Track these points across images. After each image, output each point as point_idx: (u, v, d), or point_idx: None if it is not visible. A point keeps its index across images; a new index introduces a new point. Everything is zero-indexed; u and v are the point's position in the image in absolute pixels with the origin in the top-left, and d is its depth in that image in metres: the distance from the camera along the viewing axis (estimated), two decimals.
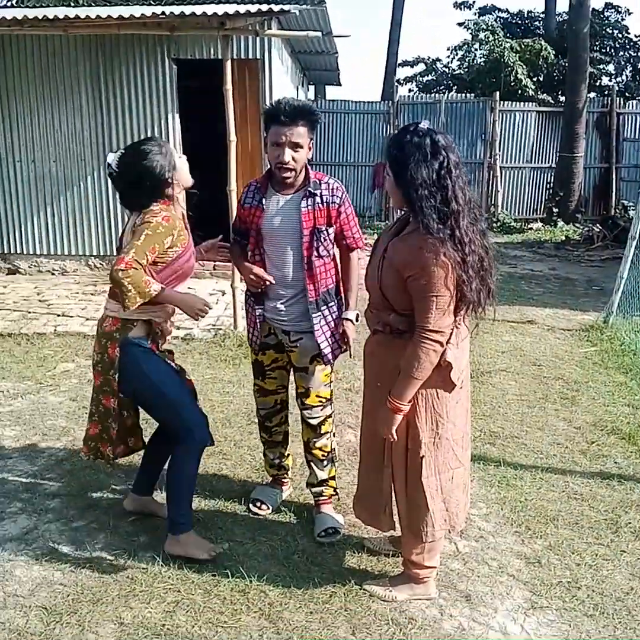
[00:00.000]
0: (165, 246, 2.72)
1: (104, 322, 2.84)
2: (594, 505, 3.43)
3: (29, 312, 6.54)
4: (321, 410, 3.14)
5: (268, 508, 3.29)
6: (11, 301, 6.95)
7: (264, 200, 2.96)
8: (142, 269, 2.65)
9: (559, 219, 13.31)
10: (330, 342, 3.05)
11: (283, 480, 3.43)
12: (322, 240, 2.95)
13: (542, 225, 13.44)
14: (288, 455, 3.43)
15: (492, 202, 13.91)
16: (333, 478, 3.27)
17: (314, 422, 3.15)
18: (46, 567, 2.83)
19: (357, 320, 3.12)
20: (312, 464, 3.22)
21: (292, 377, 3.25)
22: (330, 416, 3.19)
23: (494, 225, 13.26)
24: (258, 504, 3.30)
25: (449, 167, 2.32)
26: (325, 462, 3.21)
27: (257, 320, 3.08)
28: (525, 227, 13.33)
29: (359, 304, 3.11)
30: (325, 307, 3.02)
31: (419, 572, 2.68)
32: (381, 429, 2.51)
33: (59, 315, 6.45)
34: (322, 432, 3.17)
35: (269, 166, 3.01)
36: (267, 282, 2.96)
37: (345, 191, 3.07)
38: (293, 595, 2.69)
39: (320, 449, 3.18)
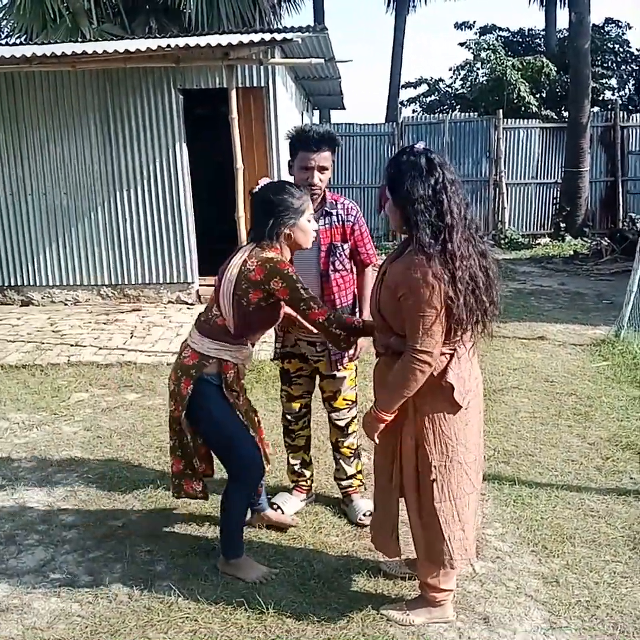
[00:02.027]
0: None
1: (183, 351, 2.92)
2: (611, 522, 3.40)
3: (43, 343, 6.61)
4: (348, 411, 3.44)
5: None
6: (25, 333, 7.03)
7: None
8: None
9: (566, 234, 13.32)
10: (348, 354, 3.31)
11: (303, 487, 3.60)
12: (338, 255, 3.24)
13: (550, 241, 13.45)
14: (310, 463, 3.63)
15: (499, 219, 13.95)
16: (360, 472, 3.56)
17: (341, 423, 3.45)
18: (64, 599, 2.84)
19: None
20: (340, 461, 3.51)
21: (317, 382, 3.49)
22: (355, 417, 3.47)
23: (502, 241, 13.29)
24: (274, 507, 3.46)
25: (444, 183, 2.38)
26: (352, 458, 3.51)
27: (283, 331, 3.34)
28: (533, 243, 13.35)
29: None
30: None
31: (436, 595, 2.67)
32: (366, 432, 2.60)
33: (72, 345, 6.51)
34: (349, 432, 3.47)
35: None
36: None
37: (360, 211, 3.34)
38: (310, 622, 2.68)
39: (348, 447, 3.48)
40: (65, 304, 8.25)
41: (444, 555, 2.55)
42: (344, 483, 3.53)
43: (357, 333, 2.85)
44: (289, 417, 3.51)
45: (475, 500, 2.65)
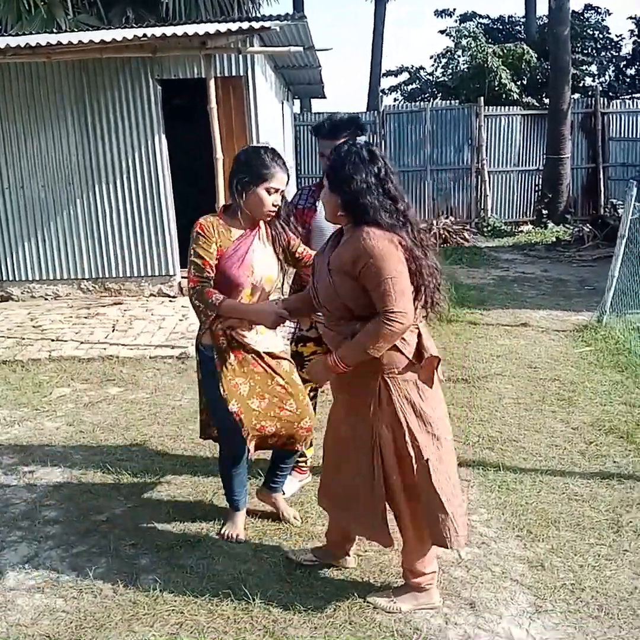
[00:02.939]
0: (211, 252, 2.82)
1: None
2: (595, 506, 3.43)
3: (23, 339, 6.54)
4: None
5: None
6: (5, 328, 6.95)
7: (317, 203, 3.33)
8: (209, 282, 2.82)
9: (548, 221, 13.37)
10: None
11: (302, 468, 3.65)
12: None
13: (533, 228, 13.50)
14: (311, 445, 3.61)
15: (482, 207, 13.98)
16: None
17: None
18: (48, 595, 2.82)
19: None
20: None
21: None
22: None
23: (485, 229, 13.34)
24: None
25: (387, 171, 2.43)
26: None
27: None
28: (516, 230, 13.40)
29: None
30: None
31: (420, 580, 2.68)
32: (314, 378, 2.65)
33: (53, 340, 6.45)
34: None
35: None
36: None
37: None
38: (296, 611, 2.67)
39: None
40: (46, 299, 8.17)
41: (449, 532, 2.53)
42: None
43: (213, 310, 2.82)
44: None
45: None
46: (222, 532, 3.19)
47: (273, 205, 2.87)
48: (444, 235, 12.20)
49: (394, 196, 2.43)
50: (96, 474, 3.85)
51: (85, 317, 7.28)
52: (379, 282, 2.34)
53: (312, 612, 2.67)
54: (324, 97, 15.45)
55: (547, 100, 14.23)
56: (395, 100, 20.76)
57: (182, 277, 8.16)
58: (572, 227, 12.74)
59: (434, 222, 12.52)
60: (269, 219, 2.94)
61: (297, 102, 15.84)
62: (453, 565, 2.98)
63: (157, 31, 6.08)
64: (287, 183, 2.92)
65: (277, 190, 2.86)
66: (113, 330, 6.75)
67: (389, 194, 2.42)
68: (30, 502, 3.58)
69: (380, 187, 2.40)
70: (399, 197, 2.44)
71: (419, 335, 2.50)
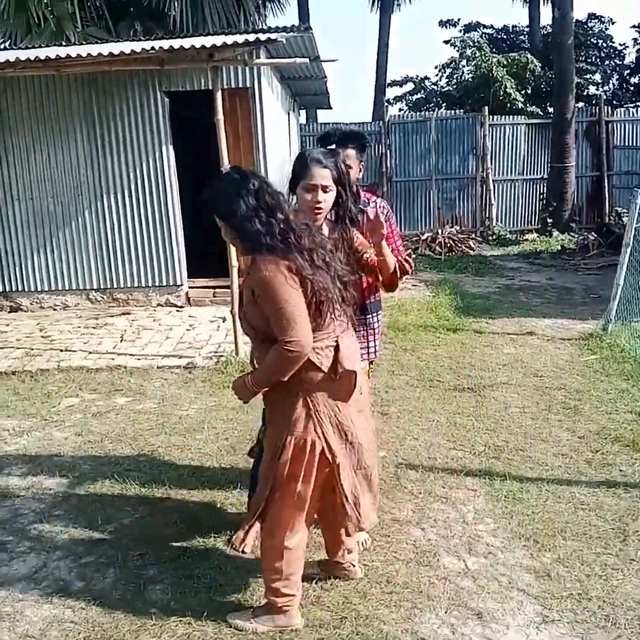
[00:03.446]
0: None
1: None
2: (601, 515, 3.43)
3: (32, 349, 6.58)
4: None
5: None
6: (14, 339, 6.99)
7: None
8: None
9: (553, 229, 13.36)
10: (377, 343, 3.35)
11: None
12: None
13: (537, 236, 13.48)
14: None
15: (487, 216, 13.99)
16: None
17: None
18: (57, 605, 2.84)
19: None
20: None
21: None
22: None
23: (490, 238, 13.34)
24: None
25: (260, 184, 2.47)
26: None
27: None
28: (521, 239, 13.39)
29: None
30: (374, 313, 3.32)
31: (276, 600, 2.63)
32: (237, 396, 2.64)
33: (62, 351, 6.49)
34: None
35: None
36: None
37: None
38: (304, 620, 2.68)
39: None
40: (54, 309, 8.22)
41: (352, 520, 2.61)
42: None
43: None
44: None
45: (367, 477, 2.67)
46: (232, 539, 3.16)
47: (315, 201, 2.82)
48: (449, 244, 12.21)
49: (273, 206, 2.45)
50: (104, 484, 3.87)
51: (94, 327, 7.32)
52: (272, 312, 2.38)
53: (319, 622, 2.69)
54: (329, 107, 15.50)
55: (551, 109, 14.25)
56: (400, 110, 20.78)
57: (189, 288, 8.20)
58: (577, 236, 12.72)
59: (439, 231, 12.54)
60: (317, 216, 2.86)
61: (302, 112, 15.90)
62: (460, 575, 2.99)
63: (166, 44, 6.12)
64: (330, 178, 2.82)
65: (314, 187, 2.80)
66: (121, 340, 6.78)
67: (268, 207, 2.44)
68: (38, 512, 3.60)
69: (260, 204, 2.44)
70: (277, 207, 2.46)
71: (337, 349, 2.50)
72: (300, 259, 2.40)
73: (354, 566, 2.95)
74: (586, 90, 17.28)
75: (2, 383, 5.68)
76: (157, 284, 8.17)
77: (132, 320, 7.57)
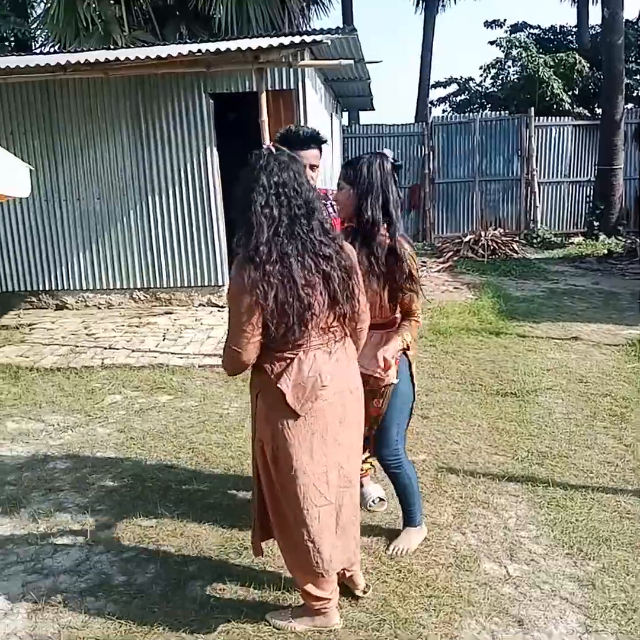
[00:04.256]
0: None
1: None
2: None
3: (77, 346, 6.71)
4: None
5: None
6: (60, 336, 7.14)
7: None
8: None
9: (600, 233, 13.11)
10: None
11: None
12: None
13: (583, 240, 13.25)
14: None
15: (531, 218, 13.81)
16: (369, 456, 3.51)
17: None
18: (99, 599, 2.88)
19: None
20: None
21: None
22: None
23: (534, 241, 13.15)
24: None
25: (255, 183, 2.32)
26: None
27: None
28: (566, 242, 13.18)
29: None
30: None
31: (313, 603, 2.61)
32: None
33: (105, 348, 6.60)
34: None
35: None
36: None
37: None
38: (343, 622, 2.67)
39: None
40: (99, 308, 8.36)
41: (287, 562, 2.61)
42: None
43: None
44: None
45: (330, 514, 2.52)
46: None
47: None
48: (492, 247, 12.07)
49: (253, 210, 2.31)
50: (145, 481, 3.92)
51: (137, 326, 7.43)
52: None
53: (358, 624, 2.67)
54: (372, 109, 15.50)
55: (599, 111, 14.00)
56: (444, 111, 20.68)
57: None
58: (624, 239, 12.46)
59: (482, 233, 12.41)
60: None
61: (345, 114, 15.91)
62: (501, 581, 2.94)
63: (211, 46, 6.18)
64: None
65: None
66: (163, 339, 6.87)
67: (249, 208, 2.32)
68: (82, 506, 3.66)
69: (244, 202, 2.33)
70: (254, 212, 2.30)
71: (290, 364, 2.38)
72: (259, 272, 2.26)
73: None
74: (636, 91, 16.92)
75: (47, 379, 5.81)
76: (199, 284, 8.25)
77: (174, 320, 7.67)
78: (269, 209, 2.29)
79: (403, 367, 2.99)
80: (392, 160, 2.90)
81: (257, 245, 2.27)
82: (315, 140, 3.26)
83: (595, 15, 19.21)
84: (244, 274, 2.27)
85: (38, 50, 15.20)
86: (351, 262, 2.46)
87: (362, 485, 3.57)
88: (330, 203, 3.36)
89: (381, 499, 3.57)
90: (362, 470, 3.58)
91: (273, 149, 2.42)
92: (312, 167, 3.26)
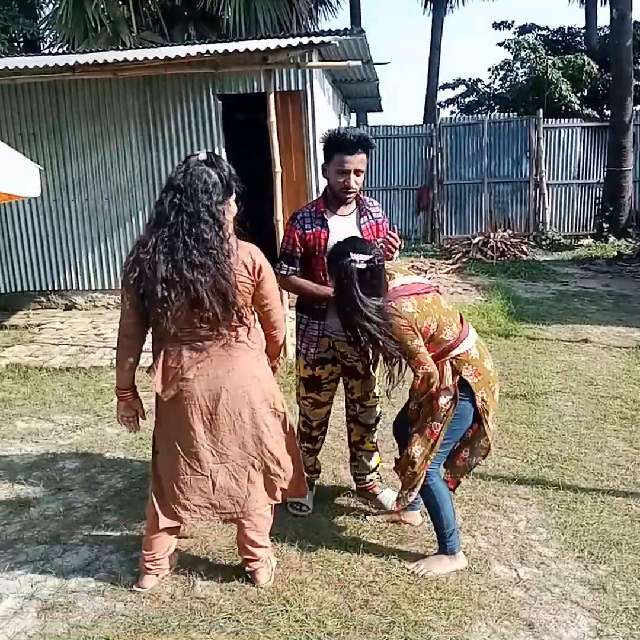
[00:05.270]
0: None
1: None
2: None
3: (86, 346, 6.72)
4: (376, 408, 3.50)
5: (308, 509, 3.54)
6: (69, 336, 7.15)
7: (328, 222, 3.24)
8: None
9: (609, 234, 13.06)
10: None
11: (315, 482, 3.70)
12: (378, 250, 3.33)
13: (593, 241, 13.20)
14: (318, 459, 3.73)
15: (540, 220, 13.77)
16: (379, 463, 3.63)
17: (371, 420, 3.50)
18: (108, 598, 2.88)
19: None
20: (363, 457, 3.57)
21: (348, 383, 3.47)
22: (380, 412, 3.58)
23: (543, 242, 13.10)
24: (298, 506, 3.53)
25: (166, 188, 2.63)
26: (374, 453, 3.60)
27: (317, 336, 3.32)
28: (576, 244, 13.12)
29: None
30: None
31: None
32: None
33: (114, 348, 6.58)
34: (375, 428, 3.55)
35: (324, 191, 3.34)
36: None
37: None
38: (351, 626, 2.66)
39: (372, 442, 3.55)
40: (108, 308, 8.38)
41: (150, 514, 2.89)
42: (368, 477, 3.59)
43: None
44: (314, 424, 3.53)
45: (198, 483, 2.81)
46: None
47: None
48: (501, 249, 12.04)
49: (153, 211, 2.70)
50: None
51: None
52: None
53: (367, 627, 2.66)
54: (380, 110, 15.48)
55: (608, 112, 13.95)
56: (452, 112, 20.67)
57: None
58: (634, 241, 12.41)
59: (491, 235, 12.38)
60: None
61: (353, 115, 15.89)
62: (511, 584, 2.92)
63: (220, 47, 6.18)
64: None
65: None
66: None
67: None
68: (91, 506, 3.67)
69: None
70: (152, 212, 2.71)
71: (160, 354, 2.77)
72: (136, 253, 2.59)
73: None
74: None
75: (57, 379, 5.82)
76: None
77: None
78: (162, 207, 2.57)
79: (463, 402, 2.94)
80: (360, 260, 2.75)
81: (145, 232, 2.62)
82: (362, 145, 3.13)
83: (603, 17, 19.16)
84: (130, 253, 2.63)
85: (47, 51, 15.27)
86: (243, 275, 2.65)
87: (375, 495, 3.59)
88: (372, 210, 3.34)
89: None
90: (370, 481, 3.60)
91: (203, 156, 2.62)
92: (358, 172, 3.16)
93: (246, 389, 2.77)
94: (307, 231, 3.24)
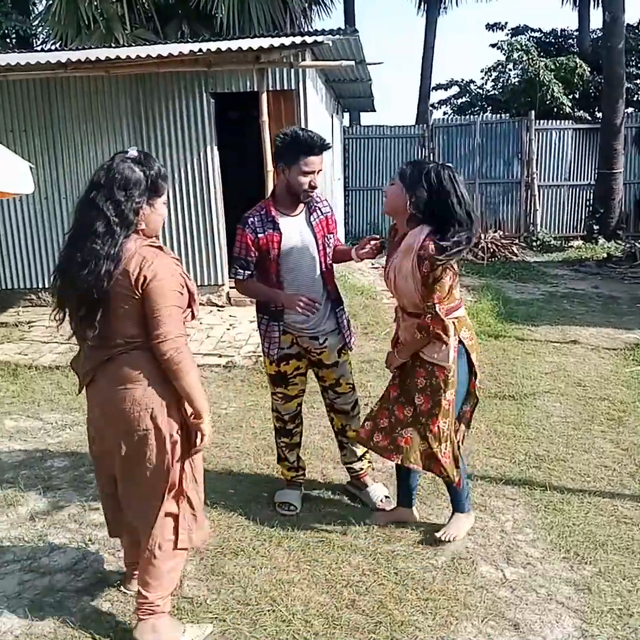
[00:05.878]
0: None
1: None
2: None
3: (76, 345, 6.68)
4: (351, 395, 3.55)
5: (296, 508, 3.54)
6: (58, 334, 7.12)
7: (280, 225, 3.25)
8: None
9: (599, 236, 13.13)
10: (351, 331, 3.52)
11: (300, 480, 3.70)
12: (329, 244, 3.39)
13: (583, 243, 13.27)
14: (301, 457, 3.72)
15: (531, 221, 13.82)
16: (367, 451, 3.60)
17: (347, 407, 3.55)
18: (95, 598, 2.87)
19: None
20: (348, 445, 3.61)
21: (318, 374, 3.53)
22: (357, 399, 3.60)
23: (534, 244, 13.16)
24: (286, 506, 3.54)
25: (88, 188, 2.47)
26: None
27: (278, 336, 3.38)
28: (566, 246, 13.18)
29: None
30: (338, 303, 3.47)
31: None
32: None
33: None
34: (354, 414, 3.58)
35: (272, 192, 3.40)
36: (316, 304, 3.21)
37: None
38: (338, 625, 2.67)
39: (354, 430, 3.50)
40: None
41: None
42: (356, 465, 3.63)
43: None
44: (285, 417, 3.57)
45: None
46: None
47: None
48: (492, 249, 12.08)
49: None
50: None
51: None
52: None
53: (353, 627, 2.67)
54: (373, 110, 15.50)
55: (599, 114, 14.01)
56: (444, 113, 20.69)
57: (230, 288, 8.26)
58: (623, 243, 12.48)
59: (482, 235, 12.41)
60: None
61: (346, 115, 15.91)
62: (497, 584, 2.94)
63: (213, 46, 6.19)
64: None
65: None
66: None
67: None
68: (79, 504, 3.66)
69: None
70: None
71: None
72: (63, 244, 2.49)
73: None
74: (636, 95, 16.93)
75: (46, 377, 5.80)
76: (199, 283, 8.23)
77: None
78: (79, 201, 2.47)
79: (461, 359, 3.07)
80: None
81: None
82: (325, 146, 3.23)
83: (596, 19, 19.30)
84: None
85: (39, 48, 15.19)
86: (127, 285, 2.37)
87: (366, 486, 3.63)
88: (321, 206, 3.40)
89: (387, 497, 3.58)
90: (361, 469, 3.61)
91: (134, 153, 2.47)
92: (319, 171, 3.27)
93: (125, 419, 2.48)
94: (259, 235, 3.24)
